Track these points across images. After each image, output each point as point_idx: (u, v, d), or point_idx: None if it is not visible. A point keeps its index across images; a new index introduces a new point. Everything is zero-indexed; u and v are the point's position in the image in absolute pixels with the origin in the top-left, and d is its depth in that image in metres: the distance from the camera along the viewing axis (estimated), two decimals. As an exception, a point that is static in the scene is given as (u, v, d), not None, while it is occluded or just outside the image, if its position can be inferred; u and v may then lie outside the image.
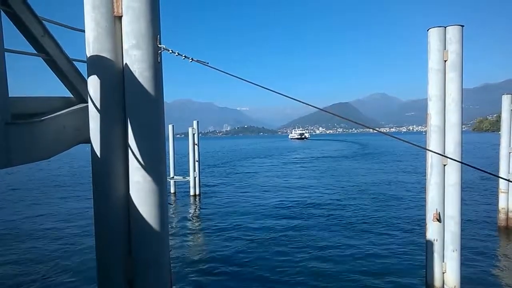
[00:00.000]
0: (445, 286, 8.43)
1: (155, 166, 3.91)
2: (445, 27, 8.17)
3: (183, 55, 4.00)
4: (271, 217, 19.82)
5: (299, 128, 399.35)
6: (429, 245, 8.51)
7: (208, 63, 4.13)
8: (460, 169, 8.25)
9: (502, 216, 16.31)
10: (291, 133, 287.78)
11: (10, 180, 38.10)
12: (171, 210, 22.93)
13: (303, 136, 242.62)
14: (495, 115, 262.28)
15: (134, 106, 3.85)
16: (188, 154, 27.47)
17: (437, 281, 8.45)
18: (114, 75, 3.85)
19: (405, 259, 12.90)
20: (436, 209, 8.34)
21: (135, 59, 3.79)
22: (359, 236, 15.89)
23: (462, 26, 8.12)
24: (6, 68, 3.36)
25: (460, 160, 7.73)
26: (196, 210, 23.61)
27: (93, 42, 3.81)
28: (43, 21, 4.29)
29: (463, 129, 8.60)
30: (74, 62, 4.94)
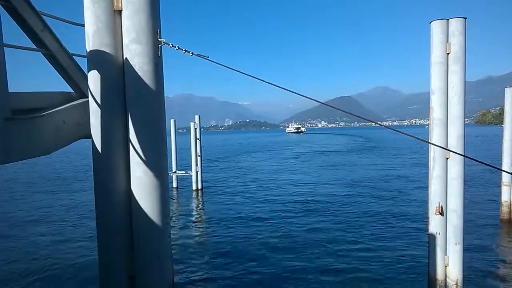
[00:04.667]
0: (447, 279, 8.42)
1: (156, 161, 3.91)
2: (448, 20, 8.09)
3: (184, 49, 3.97)
4: (274, 212, 19.84)
5: (296, 122, 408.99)
6: (431, 238, 8.50)
7: (208, 57, 4.11)
8: (463, 162, 8.21)
9: (504, 209, 16.28)
10: (288, 127, 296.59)
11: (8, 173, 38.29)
12: (173, 205, 22.98)
13: (299, 130, 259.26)
14: (498, 108, 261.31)
15: (134, 100, 3.83)
16: (190, 148, 27.48)
17: (439, 275, 8.44)
18: (115, 69, 3.84)
19: (408, 252, 12.90)
20: (439, 203, 8.31)
21: (135, 53, 3.77)
22: (362, 229, 15.89)
23: (465, 18, 8.04)
24: (5, 63, 3.35)
25: (462, 153, 7.69)
26: (199, 204, 23.65)
27: (93, 37, 3.80)
28: (43, 16, 4.27)
29: (466, 122, 8.54)
30: (74, 56, 4.92)
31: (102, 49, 3.79)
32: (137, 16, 3.74)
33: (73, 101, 4.76)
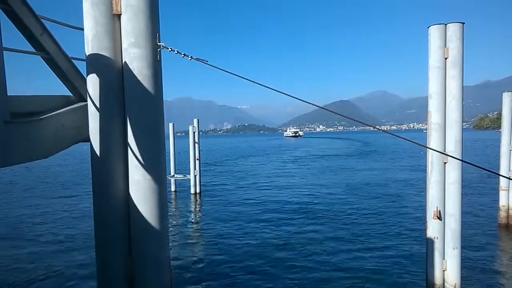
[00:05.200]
0: (445, 283, 8.42)
1: (154, 165, 3.91)
2: (446, 24, 8.13)
3: (183, 53, 3.99)
4: (273, 215, 19.81)
5: (294, 126, 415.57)
6: (429, 243, 8.50)
7: (207, 61, 4.12)
8: (461, 167, 8.23)
9: (502, 213, 16.29)
10: (286, 131, 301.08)
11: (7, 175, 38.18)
12: (171, 208, 22.94)
13: (297, 134, 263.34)
14: (495, 112, 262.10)
15: (133, 104, 3.84)
16: (189, 152, 27.47)
17: (437, 279, 8.44)
18: (114, 73, 3.84)
19: (406, 257, 12.89)
20: (437, 207, 8.32)
21: (134, 57, 3.77)
22: (359, 233, 15.87)
23: (463, 23, 8.09)
24: (4, 67, 3.35)
25: (460, 158, 7.72)
26: (197, 208, 23.61)
27: (92, 41, 3.80)
28: (42, 19, 4.28)
29: (464, 127, 8.57)
30: (73, 60, 4.93)
31: (101, 53, 3.80)
32: (136, 20, 3.75)
33: (72, 105, 4.76)
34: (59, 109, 4.40)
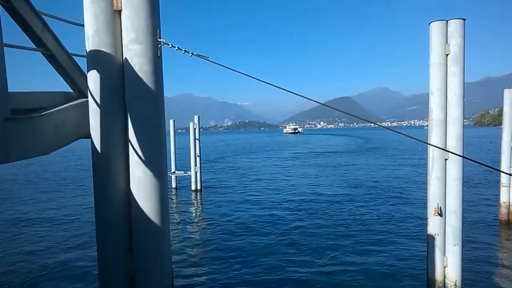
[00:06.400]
0: (446, 280, 8.43)
1: (155, 161, 3.91)
2: (447, 21, 8.10)
3: (183, 50, 3.97)
4: (273, 212, 19.84)
5: (293, 123, 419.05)
6: (430, 239, 8.50)
7: (208, 57, 4.11)
8: (462, 163, 8.21)
9: (503, 210, 16.30)
10: (285, 128, 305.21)
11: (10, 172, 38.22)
12: (172, 205, 22.96)
13: (296, 131, 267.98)
14: (497, 109, 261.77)
15: (134, 100, 3.83)
16: (190, 148, 27.47)
17: (438, 275, 8.44)
18: (114, 69, 3.84)
19: (407, 253, 12.91)
20: (438, 204, 8.32)
21: (135, 53, 3.76)
22: (361, 230, 15.90)
23: (464, 19, 8.05)
24: (5, 63, 3.34)
25: (461, 154, 7.70)
26: (198, 205, 23.65)
27: (93, 37, 3.79)
28: (43, 16, 4.27)
29: (465, 123, 8.55)
30: (73, 56, 4.91)
31: (101, 49, 3.79)
32: (136, 16, 3.74)
33: (72, 101, 4.75)
34: (60, 106, 4.39)
